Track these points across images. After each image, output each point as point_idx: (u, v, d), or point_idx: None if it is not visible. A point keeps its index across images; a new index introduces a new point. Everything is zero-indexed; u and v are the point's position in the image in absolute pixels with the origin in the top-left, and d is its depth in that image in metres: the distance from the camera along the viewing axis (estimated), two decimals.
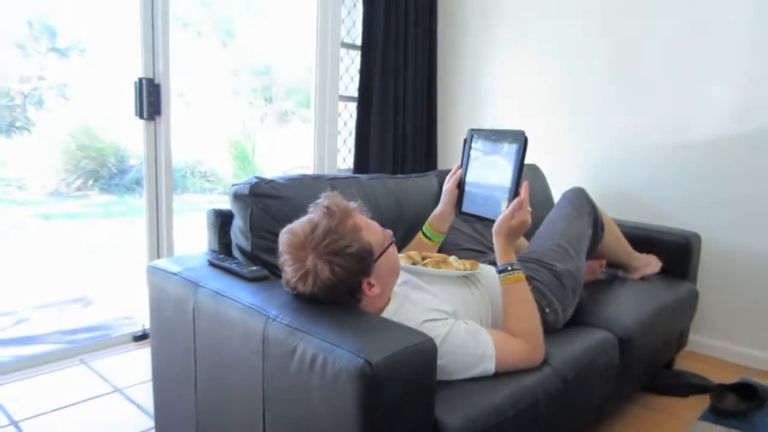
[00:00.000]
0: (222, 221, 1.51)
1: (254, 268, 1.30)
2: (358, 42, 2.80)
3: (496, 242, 1.35)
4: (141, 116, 2.15)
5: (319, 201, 1.17)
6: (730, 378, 2.09)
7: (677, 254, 2.09)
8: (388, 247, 1.15)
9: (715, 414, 1.83)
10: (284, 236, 1.14)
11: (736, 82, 2.21)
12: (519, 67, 2.83)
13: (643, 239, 2.12)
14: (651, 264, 2.06)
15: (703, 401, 1.92)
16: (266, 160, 6.90)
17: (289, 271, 1.13)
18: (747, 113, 2.20)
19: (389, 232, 1.22)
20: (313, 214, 1.15)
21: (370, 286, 1.15)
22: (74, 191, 6.44)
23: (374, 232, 1.17)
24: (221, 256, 1.44)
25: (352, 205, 1.18)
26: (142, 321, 2.36)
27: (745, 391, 1.93)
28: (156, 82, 2.15)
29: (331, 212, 1.12)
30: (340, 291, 1.12)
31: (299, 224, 1.14)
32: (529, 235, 1.83)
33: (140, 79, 2.13)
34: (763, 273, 2.23)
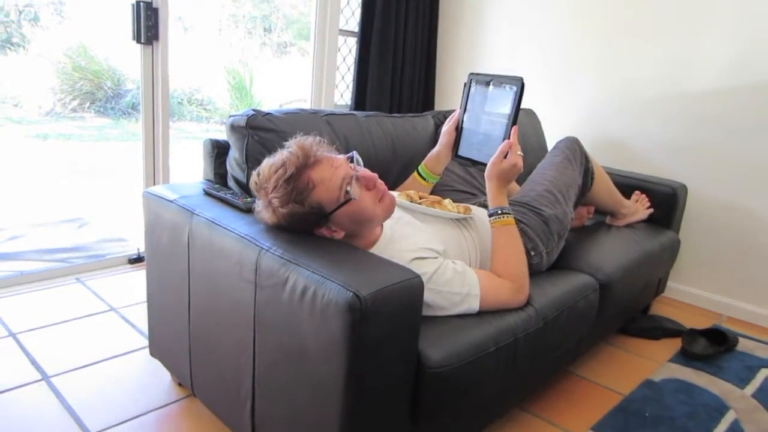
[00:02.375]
0: (218, 151, 1.49)
1: (249, 199, 1.29)
2: (354, 27, 2.69)
3: (488, 186, 1.34)
4: (138, 40, 2.08)
5: (288, 144, 1.14)
6: (702, 324, 2.16)
7: (663, 204, 2.10)
8: (344, 204, 1.11)
9: (685, 356, 1.90)
10: (253, 173, 1.16)
11: (732, 39, 2.15)
12: (521, 15, 2.73)
13: (631, 188, 2.12)
14: (638, 212, 2.07)
15: (675, 344, 1.99)
16: (263, 92, 6.76)
17: (258, 203, 1.17)
18: (742, 70, 2.15)
19: (372, 175, 1.17)
20: (279, 156, 1.12)
21: (331, 231, 1.15)
22: (70, 112, 6.32)
23: (329, 189, 1.11)
24: (217, 185, 1.43)
25: (322, 151, 1.14)
26: (137, 244, 2.38)
27: (715, 336, 1.99)
28: (154, 5, 2.06)
29: (289, 162, 1.10)
30: (300, 228, 1.14)
31: (266, 164, 1.13)
32: (522, 180, 1.83)
33: (138, 2, 2.04)
34: (742, 227, 2.25)
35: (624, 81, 2.45)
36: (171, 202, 1.33)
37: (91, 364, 1.61)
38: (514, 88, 1.36)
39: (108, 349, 1.70)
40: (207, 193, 1.38)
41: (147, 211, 1.42)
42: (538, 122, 2.42)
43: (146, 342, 1.73)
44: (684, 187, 2.16)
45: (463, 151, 1.51)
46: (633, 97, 2.43)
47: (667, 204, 2.10)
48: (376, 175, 1.18)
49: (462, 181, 1.77)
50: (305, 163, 1.11)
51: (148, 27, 2.06)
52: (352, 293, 0.90)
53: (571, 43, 2.59)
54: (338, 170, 1.13)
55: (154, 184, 2.23)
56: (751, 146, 2.18)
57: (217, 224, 1.20)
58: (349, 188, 1.12)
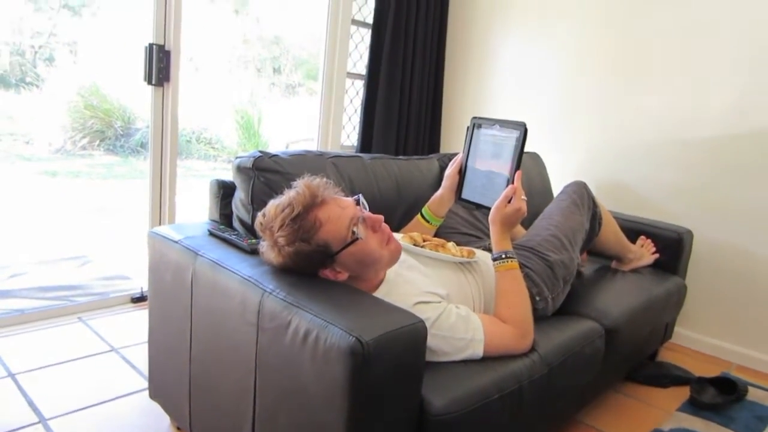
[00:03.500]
0: (224, 192, 1.50)
1: (254, 241, 1.30)
2: (369, 20, 2.76)
3: (492, 230, 1.35)
4: (150, 82, 2.13)
5: (295, 184, 1.16)
6: (710, 372, 2.12)
7: (669, 249, 2.10)
8: (350, 243, 1.12)
9: (694, 406, 1.86)
10: (259, 214, 1.17)
11: (734, 84, 2.19)
12: (526, 59, 2.79)
13: (637, 232, 2.12)
14: (644, 257, 2.07)
15: (683, 393, 1.95)
16: (271, 131, 6.87)
17: (263, 244, 1.17)
18: (746, 114, 2.18)
19: (378, 217, 1.18)
20: (286, 197, 1.14)
21: (335, 272, 1.15)
22: (79, 150, 6.42)
23: (337, 228, 1.12)
24: (222, 226, 1.44)
25: (328, 192, 1.15)
26: (141, 283, 2.38)
27: (724, 385, 1.95)
28: (166, 48, 2.13)
29: (296, 202, 1.11)
30: (305, 268, 1.14)
31: (272, 204, 1.15)
32: (527, 224, 1.83)
33: (150, 45, 2.10)
34: (749, 273, 2.24)
35: (628, 125, 2.48)
36: (176, 242, 1.34)
37: (90, 407, 1.59)
38: (517, 133, 1.39)
39: (107, 391, 1.68)
40: (212, 234, 1.39)
41: (152, 251, 1.43)
42: (543, 166, 2.44)
43: (146, 384, 1.71)
44: (690, 233, 2.15)
45: (466, 195, 1.52)
46: (638, 141, 2.45)
47: (672, 249, 2.10)
48: (382, 217, 1.20)
49: (466, 224, 1.77)
50: (312, 202, 1.12)
51: (159, 69, 2.12)
52: (354, 338, 0.90)
53: (575, 87, 2.63)
54: (345, 210, 1.14)
55: (160, 223, 2.25)
56: (756, 191, 2.18)
57: (220, 265, 1.20)
58: (356, 228, 1.13)
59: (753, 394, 1.97)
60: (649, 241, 2.11)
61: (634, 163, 2.48)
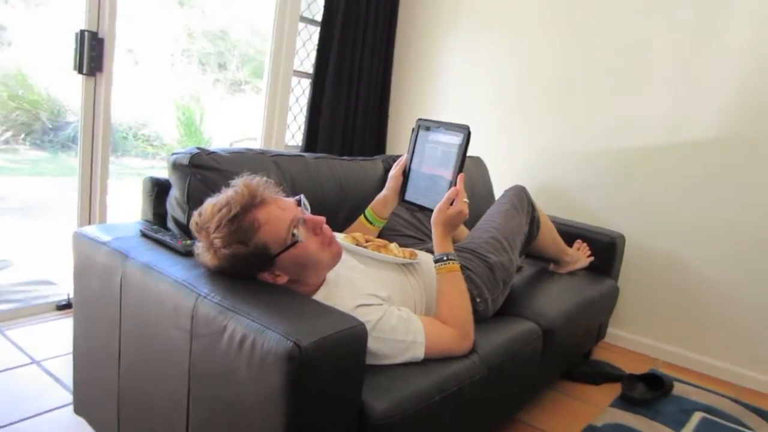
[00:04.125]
0: (158, 190, 1.44)
1: (189, 242, 1.24)
2: (318, 18, 2.72)
3: (434, 232, 1.35)
4: (80, 71, 2.01)
5: (233, 183, 1.11)
6: (640, 369, 2.20)
7: (603, 253, 2.17)
8: (290, 246, 1.09)
9: (625, 401, 1.93)
10: (195, 213, 1.11)
11: (670, 98, 2.29)
12: (472, 64, 2.83)
13: (573, 236, 2.18)
14: (580, 260, 2.13)
15: (615, 389, 2.02)
16: (214, 129, 6.67)
17: (198, 245, 1.12)
18: (679, 125, 2.29)
19: (320, 219, 1.15)
20: (223, 196, 1.09)
21: (274, 275, 1.11)
22: (2, 144, 6.01)
23: (276, 230, 1.08)
24: (155, 226, 1.38)
25: (268, 192, 1.11)
26: (68, 289, 2.23)
27: (653, 381, 2.04)
28: (100, 36, 2.01)
29: (234, 201, 1.06)
30: (242, 271, 1.10)
31: (209, 204, 1.10)
32: (470, 226, 1.85)
33: (82, 31, 1.98)
34: (676, 276, 2.34)
35: (569, 133, 2.55)
36: (104, 244, 1.27)
37: (8, 425, 1.46)
38: (461, 135, 1.39)
39: (27, 408, 1.54)
40: (144, 235, 1.32)
41: (77, 254, 1.34)
42: (486, 169, 2.47)
43: (71, 398, 1.59)
44: (622, 237, 2.24)
45: (409, 196, 1.52)
46: (576, 148, 2.53)
47: (606, 253, 2.17)
48: (323, 219, 1.17)
49: (409, 226, 1.77)
50: (251, 202, 1.08)
51: (91, 57, 2.01)
52: (292, 342, 0.87)
53: (518, 94, 2.69)
54: (286, 212, 1.11)
55: (90, 224, 2.12)
56: (686, 200, 2.29)
57: (152, 268, 1.14)
58: (296, 231, 1.10)
59: (678, 389, 2.07)
60: (584, 244, 2.18)
61: (572, 169, 2.55)
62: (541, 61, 2.61)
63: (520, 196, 1.79)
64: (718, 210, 2.23)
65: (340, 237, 1.37)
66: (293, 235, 1.09)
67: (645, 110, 2.35)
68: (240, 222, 1.06)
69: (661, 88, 2.31)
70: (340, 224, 1.66)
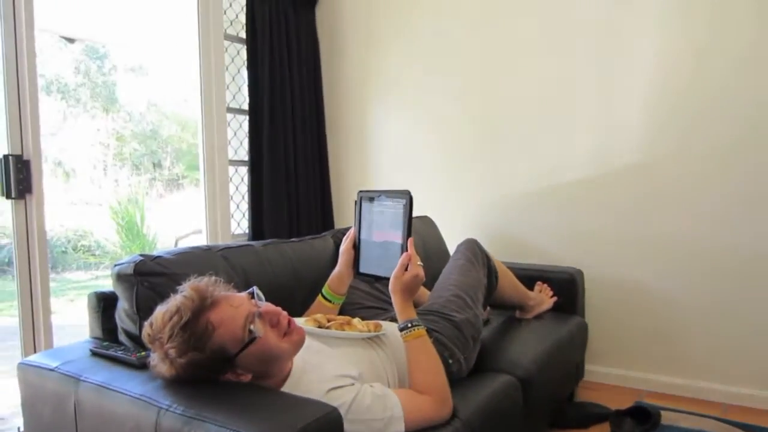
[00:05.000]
0: (105, 304, 1.41)
1: (143, 353, 1.22)
2: (245, 106, 2.80)
3: (394, 300, 1.37)
4: (8, 196, 1.98)
5: (181, 288, 1.11)
6: (625, 402, 2.21)
7: (565, 290, 2.23)
8: (248, 343, 1.08)
9: None
10: (145, 324, 1.10)
11: (595, 131, 2.45)
12: (405, 127, 2.95)
13: (533, 279, 2.24)
14: (544, 302, 2.18)
15: (605, 429, 2.02)
16: (157, 228, 6.58)
17: (153, 356, 1.10)
18: (604, 157, 2.43)
19: (275, 309, 1.16)
20: (173, 302, 1.09)
21: (237, 375, 1.10)
22: None
23: (232, 330, 1.08)
24: (106, 343, 1.34)
25: (219, 291, 1.12)
26: (18, 423, 2.10)
27: (640, 414, 2.05)
28: (25, 158, 2.01)
29: (184, 307, 1.06)
30: (203, 377, 1.08)
31: (159, 312, 1.09)
32: (430, 287, 1.87)
33: (6, 156, 1.97)
34: (641, 300, 2.42)
35: (508, 178, 2.66)
36: (52, 370, 1.22)
37: None
38: (403, 201, 1.44)
39: None
40: (95, 353, 1.29)
41: (24, 385, 1.28)
42: (435, 227, 2.54)
43: None
44: (580, 272, 2.31)
45: (364, 268, 1.54)
46: (519, 192, 2.63)
47: (568, 290, 2.23)
48: (280, 309, 1.17)
49: (370, 297, 1.78)
50: (202, 305, 1.08)
51: (19, 180, 1.99)
52: None
53: (453, 149, 2.80)
54: (239, 309, 1.11)
55: (35, 350, 2.03)
56: (631, 224, 2.40)
57: (107, 388, 1.11)
58: (252, 326, 1.09)
59: (666, 418, 2.09)
60: (545, 285, 2.23)
61: (516, 213, 2.65)
62: (470, 111, 2.74)
63: (472, 248, 1.84)
64: (662, 226, 2.34)
65: (300, 321, 1.37)
66: (250, 331, 1.09)
67: (573, 148, 2.49)
68: (193, 328, 1.05)
69: (586, 127, 2.47)
70: (299, 308, 1.66)
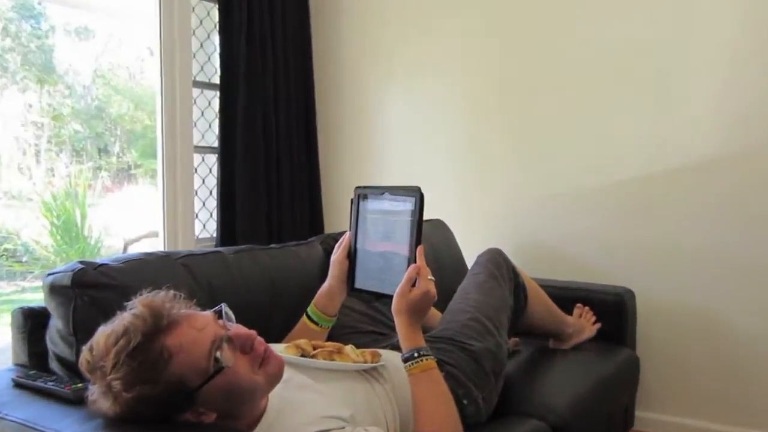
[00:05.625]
0: (33, 324, 1.40)
1: (80, 385, 1.21)
2: (216, 80, 2.80)
3: (398, 323, 1.36)
4: None
5: (130, 304, 1.10)
6: None
7: (611, 315, 2.23)
8: (214, 374, 1.07)
9: None
10: (84, 348, 1.09)
11: (652, 120, 2.44)
12: (413, 111, 2.96)
13: (571, 300, 2.23)
14: (584, 330, 2.17)
15: None
16: (102, 230, 6.57)
17: (92, 389, 1.09)
18: (663, 152, 2.42)
19: (248, 333, 1.15)
20: (119, 323, 1.07)
21: (199, 414, 1.09)
22: None
23: (193, 358, 1.06)
24: (32, 372, 1.34)
25: (178, 309, 1.11)
26: None
27: None
28: None
29: (134, 329, 1.05)
30: (155, 416, 1.06)
31: (102, 335, 1.08)
32: (442, 308, 1.86)
33: None
34: (708, 331, 2.39)
35: (542, 174, 2.66)
36: None
37: None
38: (412, 200, 1.43)
39: None
40: (18, 384, 1.28)
41: None
42: (450, 233, 2.54)
43: None
44: (630, 293, 2.31)
45: (360, 283, 1.53)
46: (554, 192, 2.63)
47: (615, 315, 2.23)
48: (254, 333, 1.16)
49: (366, 320, 1.78)
50: (156, 326, 1.07)
51: None
52: None
53: (477, 139, 2.81)
54: (203, 331, 1.10)
55: None
56: (694, 235, 2.39)
57: (33, 428, 1.10)
58: (219, 354, 1.08)
59: None
60: (586, 309, 2.23)
61: (551, 218, 2.64)
62: (495, 94, 2.75)
63: (496, 261, 1.83)
64: (739, 239, 2.30)
65: (279, 349, 1.37)
66: (216, 360, 1.08)
67: (622, 137, 2.49)
68: (144, 355, 1.04)
69: (638, 107, 2.46)
70: (277, 332, 1.64)
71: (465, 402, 1.47)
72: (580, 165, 2.58)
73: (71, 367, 1.31)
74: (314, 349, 1.41)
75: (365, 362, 1.40)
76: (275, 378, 1.18)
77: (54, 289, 1.34)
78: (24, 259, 6.67)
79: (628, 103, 2.48)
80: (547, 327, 2.07)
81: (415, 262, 1.39)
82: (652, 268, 2.47)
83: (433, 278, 1.38)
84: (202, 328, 1.10)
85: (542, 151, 2.66)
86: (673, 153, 2.42)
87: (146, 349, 1.04)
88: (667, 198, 2.43)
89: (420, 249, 1.40)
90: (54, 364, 1.36)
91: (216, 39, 2.78)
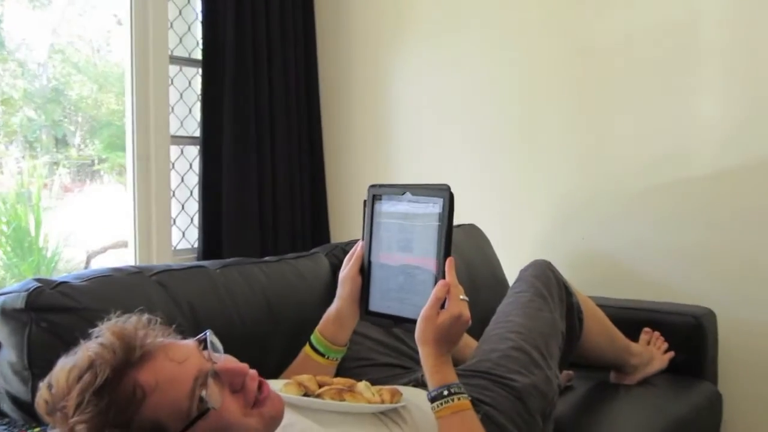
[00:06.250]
0: None
1: (37, 429, 1.23)
2: (197, 55, 2.81)
3: (423, 354, 1.36)
4: None
5: (96, 332, 1.11)
6: None
7: (686, 342, 2.21)
8: (198, 418, 1.07)
9: None
10: (42, 385, 1.10)
11: (737, 99, 2.42)
12: (439, 93, 2.96)
13: (637, 324, 2.22)
14: (654, 360, 2.16)
15: None
16: (59, 239, 6.62)
17: None
18: (752, 140, 2.39)
19: (240, 367, 1.15)
20: (83, 354, 1.07)
21: None
22: None
23: (173, 398, 1.07)
24: None
25: (154, 338, 1.11)
26: None
27: None
28: None
29: (101, 362, 1.04)
30: None
31: (62, 369, 1.08)
32: (477, 335, 1.86)
33: None
34: None
35: (598, 168, 2.65)
36: None
37: None
38: (440, 200, 1.43)
39: None
40: None
41: None
42: (486, 241, 2.54)
43: None
44: (710, 314, 2.28)
45: (376, 305, 1.53)
46: (614, 190, 2.62)
47: (691, 341, 2.21)
48: (245, 366, 1.17)
49: (385, 350, 1.78)
50: (127, 359, 1.07)
51: None
52: None
53: (516, 124, 2.80)
54: (185, 365, 1.10)
55: None
56: None
57: None
58: (203, 392, 1.09)
59: None
60: (656, 334, 2.21)
61: (611, 222, 2.62)
62: (540, 69, 2.74)
63: (544, 276, 1.83)
64: None
65: (278, 386, 1.37)
66: (200, 399, 1.08)
67: (701, 119, 2.47)
68: (114, 393, 1.04)
69: (712, 87, 2.44)
70: (275, 365, 1.66)
71: None
72: (646, 155, 2.56)
73: (26, 408, 1.32)
74: (320, 386, 1.40)
75: (382, 402, 1.40)
76: (273, 421, 1.18)
77: (4, 313, 1.35)
78: None
79: (702, 82, 2.47)
80: (608, 357, 2.06)
81: (443, 278, 1.38)
82: (738, 283, 2.44)
83: (466, 298, 1.37)
84: (183, 360, 1.10)
85: (596, 138, 2.65)
86: (761, 142, 2.39)
87: (116, 386, 1.04)
88: (755, 197, 2.41)
89: (450, 262, 1.39)
90: (5, 405, 1.37)
91: (198, 5, 2.79)
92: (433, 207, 1.44)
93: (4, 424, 1.29)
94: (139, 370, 1.07)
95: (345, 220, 3.16)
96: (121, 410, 1.04)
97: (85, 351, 1.08)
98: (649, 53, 2.55)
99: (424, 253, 1.45)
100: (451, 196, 1.41)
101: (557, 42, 2.71)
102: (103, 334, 1.09)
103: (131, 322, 1.12)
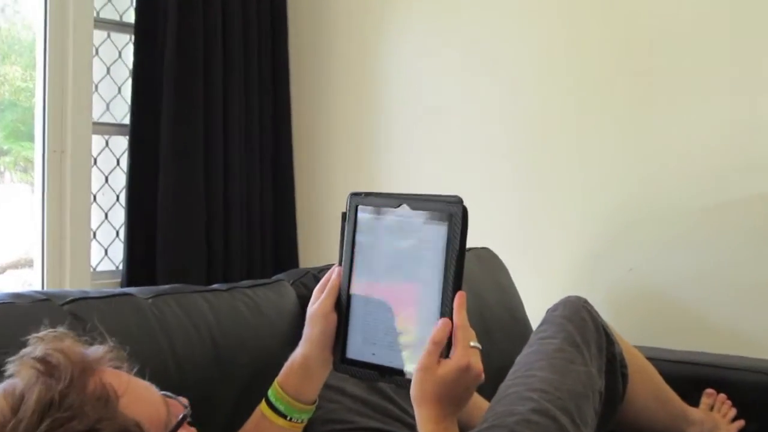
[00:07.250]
0: None
1: None
2: (130, 18, 2.80)
3: (420, 417, 1.33)
4: None
5: (26, 350, 1.11)
6: None
7: (759, 407, 2.20)
8: (180, 423, 1.12)
9: None
10: None
11: None
12: (444, 81, 2.98)
13: (697, 383, 2.21)
14: (719, 428, 2.15)
15: None
16: None
17: None
18: None
19: (181, 401, 1.18)
20: (15, 379, 1.08)
21: None
22: None
23: (144, 401, 1.12)
24: None
25: (94, 350, 1.14)
26: None
27: None
28: None
29: (52, 368, 1.06)
30: None
31: None
32: (490, 394, 1.84)
33: None
34: None
35: (646, 180, 2.66)
36: None
37: None
38: (446, 216, 1.40)
39: None
40: None
41: None
42: (503, 270, 2.52)
43: None
44: None
45: (355, 352, 1.50)
46: (665, 209, 2.62)
47: (767, 406, 2.19)
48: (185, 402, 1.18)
49: (367, 411, 1.77)
50: (82, 362, 1.09)
51: None
52: None
53: (540, 122, 2.81)
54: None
55: None
56: None
57: None
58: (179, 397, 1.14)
59: None
60: (722, 396, 2.20)
61: (672, 251, 2.61)
62: (571, 56, 2.76)
63: (578, 318, 1.82)
64: None
65: None
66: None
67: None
68: (83, 394, 1.05)
69: None
70: (220, 427, 1.67)
71: None
72: (716, 167, 2.57)
73: None
74: None
75: None
76: None
77: None
78: None
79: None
80: (659, 425, 2.04)
81: (449, 316, 1.35)
82: None
83: (478, 345, 1.34)
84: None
85: (657, 145, 2.65)
86: None
87: (81, 387, 1.06)
88: None
89: (460, 297, 1.36)
90: None
91: None
92: (439, 225, 1.41)
93: None
94: (97, 374, 1.10)
95: (317, 239, 3.16)
96: (91, 410, 1.05)
97: (22, 367, 1.09)
98: (722, 41, 2.56)
99: (422, 284, 1.42)
100: (465, 211, 1.38)
101: (601, 19, 2.72)
102: (35, 350, 1.10)
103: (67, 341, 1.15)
